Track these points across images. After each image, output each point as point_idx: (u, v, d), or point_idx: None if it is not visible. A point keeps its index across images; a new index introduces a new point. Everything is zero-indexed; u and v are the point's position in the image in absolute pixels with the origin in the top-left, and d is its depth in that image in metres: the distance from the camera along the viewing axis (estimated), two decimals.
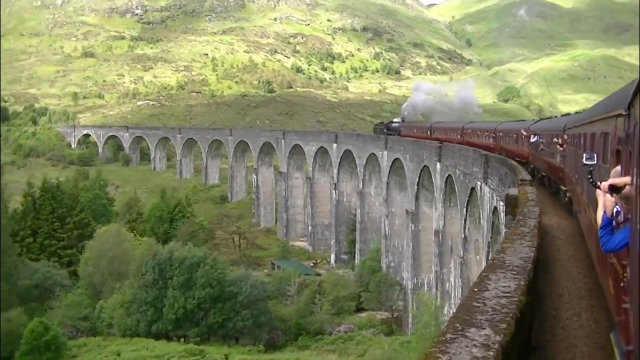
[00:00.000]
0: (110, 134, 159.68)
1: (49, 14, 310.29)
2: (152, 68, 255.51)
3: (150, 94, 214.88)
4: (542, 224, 15.60)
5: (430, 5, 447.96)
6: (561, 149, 20.82)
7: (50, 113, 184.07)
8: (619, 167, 6.97)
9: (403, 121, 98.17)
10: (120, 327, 56.50)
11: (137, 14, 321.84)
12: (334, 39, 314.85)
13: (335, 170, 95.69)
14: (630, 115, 6.09)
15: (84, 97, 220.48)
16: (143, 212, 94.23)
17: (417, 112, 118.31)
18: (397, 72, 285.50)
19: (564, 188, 20.67)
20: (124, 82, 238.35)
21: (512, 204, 20.22)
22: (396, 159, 72.67)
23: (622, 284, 6.19)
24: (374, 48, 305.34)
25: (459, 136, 58.58)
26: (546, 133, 26.19)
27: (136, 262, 58.89)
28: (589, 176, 7.84)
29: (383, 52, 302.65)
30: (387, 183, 76.38)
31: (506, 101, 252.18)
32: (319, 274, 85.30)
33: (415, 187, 65.42)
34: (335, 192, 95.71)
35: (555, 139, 22.35)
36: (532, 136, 29.91)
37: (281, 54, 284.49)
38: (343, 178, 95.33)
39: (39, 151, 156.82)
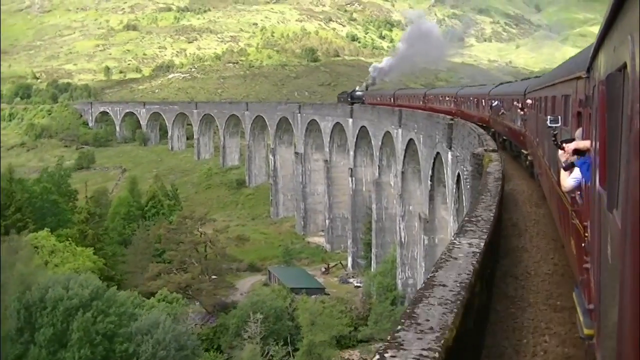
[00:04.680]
0: (127, 110, 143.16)
1: None
2: (196, 40, 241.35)
3: (184, 66, 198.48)
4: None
5: None
6: (522, 112, 20.65)
7: (72, 89, 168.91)
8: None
9: (367, 89, 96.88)
10: None
11: None
12: (393, 5, 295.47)
13: (352, 152, 76.14)
14: (590, 78, 6.40)
15: (120, 72, 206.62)
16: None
17: (382, 74, 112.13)
18: (461, 40, 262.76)
19: (525, 152, 20.77)
20: (165, 55, 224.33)
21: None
22: (411, 140, 52.61)
23: (583, 245, 6.46)
24: (436, 15, 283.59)
25: (421, 102, 57.70)
26: (507, 97, 26.06)
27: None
28: (553, 139, 8.50)
29: (446, 18, 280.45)
30: (403, 172, 56.30)
31: None
32: (323, 289, 66.13)
33: (429, 182, 45.30)
34: (353, 180, 76.29)
35: (515, 103, 22.31)
36: (492, 100, 29.89)
37: (336, 22, 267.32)
38: (361, 162, 75.76)
39: (52, 131, 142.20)
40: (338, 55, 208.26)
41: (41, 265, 46.68)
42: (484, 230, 7.81)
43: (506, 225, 13.80)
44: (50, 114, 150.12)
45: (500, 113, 27.59)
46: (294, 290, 62.61)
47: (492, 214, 9.10)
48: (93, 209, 70.20)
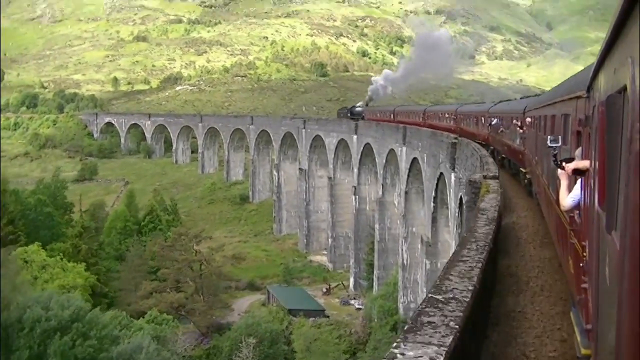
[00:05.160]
0: (132, 122, 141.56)
1: None
2: (206, 52, 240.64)
3: (192, 78, 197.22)
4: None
5: None
6: (521, 131, 20.64)
7: (78, 99, 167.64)
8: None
9: (367, 105, 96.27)
10: None
11: None
12: (404, 22, 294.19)
13: (356, 170, 74.14)
14: (590, 98, 6.41)
15: (128, 83, 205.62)
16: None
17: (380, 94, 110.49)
18: (472, 57, 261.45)
19: (523, 170, 20.66)
20: (174, 67, 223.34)
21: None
22: (415, 159, 50.55)
23: (581, 264, 6.35)
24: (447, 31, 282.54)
25: (420, 119, 57.75)
26: (506, 115, 25.96)
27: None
28: (554, 158, 8.02)
29: (457, 35, 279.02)
30: (406, 192, 54.19)
31: None
32: (323, 311, 63.90)
33: (432, 203, 43.19)
34: (356, 199, 74.21)
35: (515, 121, 22.38)
36: (491, 118, 29.42)
37: (347, 37, 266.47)
38: (365, 180, 73.68)
39: (56, 141, 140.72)
40: (347, 71, 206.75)
41: (25, 282, 44.76)
42: (452, 325, 5.28)
43: (502, 276, 11.69)
44: (55, 124, 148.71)
45: (499, 131, 27.55)
46: (292, 312, 60.54)
47: (470, 288, 6.62)
48: (88, 223, 68.26)
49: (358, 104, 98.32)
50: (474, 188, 17.02)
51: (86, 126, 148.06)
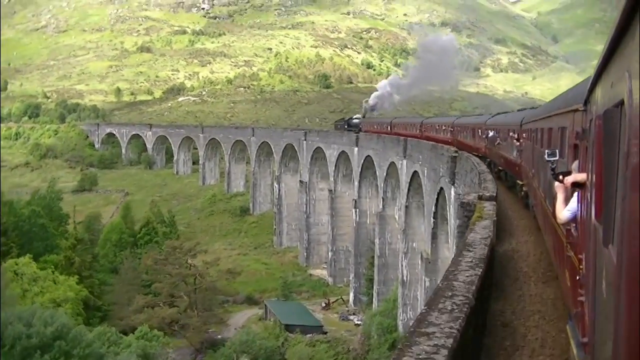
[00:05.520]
0: (134, 132, 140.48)
1: (113, 9, 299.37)
2: (209, 63, 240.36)
3: (194, 89, 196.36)
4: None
5: (514, 3, 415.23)
6: (517, 143, 20.48)
7: (80, 110, 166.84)
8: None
9: (364, 117, 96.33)
10: None
11: (203, 9, 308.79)
12: (409, 34, 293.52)
13: (356, 183, 72.77)
14: (587, 111, 6.38)
15: (131, 94, 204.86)
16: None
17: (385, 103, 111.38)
18: (477, 69, 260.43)
19: (520, 182, 20.54)
20: (177, 78, 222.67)
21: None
22: (415, 173, 49.17)
23: (577, 277, 6.25)
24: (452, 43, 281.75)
25: (418, 131, 57.84)
26: (503, 128, 25.64)
27: None
28: (552, 172, 7.90)
29: (462, 47, 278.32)
30: (407, 206, 52.77)
31: None
32: (321, 327, 62.34)
33: (432, 219, 41.75)
34: (356, 212, 72.79)
35: (511, 134, 22.17)
36: (488, 131, 29.37)
37: (351, 49, 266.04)
38: (366, 193, 72.28)
39: (57, 151, 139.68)
40: (351, 82, 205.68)
41: (12, 297, 43.40)
42: None
43: (494, 326, 9.63)
44: (56, 134, 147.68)
45: (496, 143, 27.50)
46: (289, 328, 59.06)
47: None
48: (82, 235, 66.89)
49: (355, 116, 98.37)
50: (467, 211, 15.16)
51: (87, 136, 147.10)
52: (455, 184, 30.31)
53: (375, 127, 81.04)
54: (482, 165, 24.43)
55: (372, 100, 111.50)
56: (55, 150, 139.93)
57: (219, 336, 60.00)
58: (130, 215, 79.20)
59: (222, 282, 64.00)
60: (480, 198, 15.10)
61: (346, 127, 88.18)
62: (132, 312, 53.52)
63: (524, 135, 18.89)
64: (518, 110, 28.91)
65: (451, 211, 32.78)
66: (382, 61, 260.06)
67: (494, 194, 16.71)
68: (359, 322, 65.46)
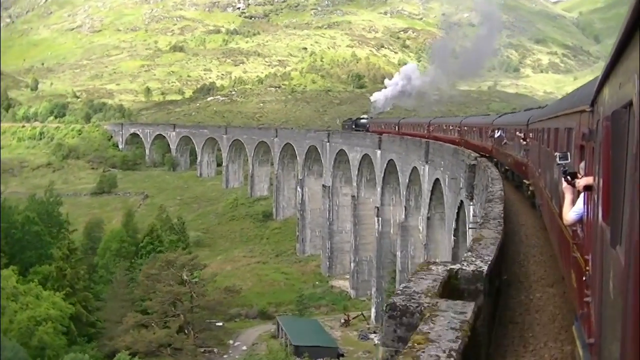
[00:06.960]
0: (157, 132, 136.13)
1: (148, 9, 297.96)
2: (243, 62, 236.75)
3: (224, 88, 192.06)
4: None
5: (555, 3, 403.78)
6: (524, 143, 20.37)
7: (106, 109, 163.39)
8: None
9: (371, 118, 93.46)
10: None
11: (238, 8, 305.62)
12: (447, 33, 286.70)
13: (379, 189, 66.76)
14: (594, 112, 6.33)
15: (162, 93, 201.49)
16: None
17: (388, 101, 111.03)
18: (516, 70, 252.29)
19: (526, 182, 20.38)
20: (209, 78, 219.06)
21: None
22: (437, 180, 43.08)
23: (584, 278, 6.27)
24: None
25: (425, 131, 56.97)
26: (510, 127, 25.63)
27: None
28: (564, 174, 7.77)
29: (501, 47, 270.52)
30: (429, 218, 46.67)
31: None
32: (336, 349, 56.42)
33: (453, 236, 35.59)
34: (379, 221, 66.80)
35: (518, 134, 22.05)
36: (495, 131, 29.35)
37: (388, 49, 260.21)
38: (389, 200, 66.22)
39: (80, 152, 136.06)
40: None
41: None
42: None
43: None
44: (80, 134, 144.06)
45: (503, 143, 27.30)
46: (300, 349, 53.37)
47: None
48: (83, 242, 61.94)
49: (363, 116, 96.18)
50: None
51: (111, 137, 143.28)
52: (474, 200, 24.46)
53: (382, 127, 78.66)
54: (497, 183, 19.28)
55: (378, 99, 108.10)
56: (78, 150, 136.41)
57: (225, 356, 54.83)
58: (132, 222, 73.94)
59: (228, 298, 57.65)
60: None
61: (353, 127, 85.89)
62: (122, 332, 48.30)
63: (530, 135, 18.51)
64: (525, 110, 27.84)
65: (469, 233, 26.85)
66: (419, 61, 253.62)
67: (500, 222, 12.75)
68: (379, 342, 59.54)
